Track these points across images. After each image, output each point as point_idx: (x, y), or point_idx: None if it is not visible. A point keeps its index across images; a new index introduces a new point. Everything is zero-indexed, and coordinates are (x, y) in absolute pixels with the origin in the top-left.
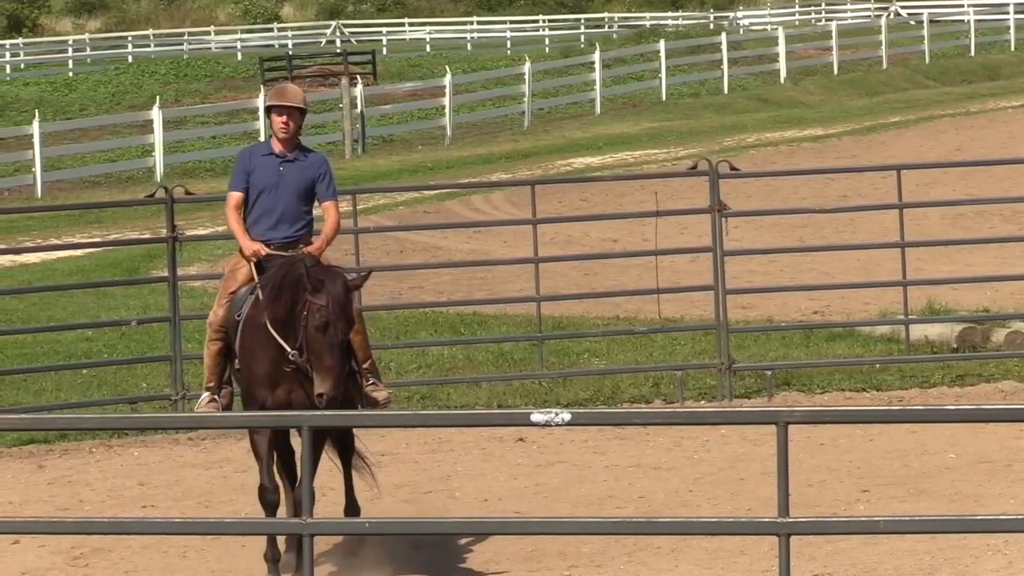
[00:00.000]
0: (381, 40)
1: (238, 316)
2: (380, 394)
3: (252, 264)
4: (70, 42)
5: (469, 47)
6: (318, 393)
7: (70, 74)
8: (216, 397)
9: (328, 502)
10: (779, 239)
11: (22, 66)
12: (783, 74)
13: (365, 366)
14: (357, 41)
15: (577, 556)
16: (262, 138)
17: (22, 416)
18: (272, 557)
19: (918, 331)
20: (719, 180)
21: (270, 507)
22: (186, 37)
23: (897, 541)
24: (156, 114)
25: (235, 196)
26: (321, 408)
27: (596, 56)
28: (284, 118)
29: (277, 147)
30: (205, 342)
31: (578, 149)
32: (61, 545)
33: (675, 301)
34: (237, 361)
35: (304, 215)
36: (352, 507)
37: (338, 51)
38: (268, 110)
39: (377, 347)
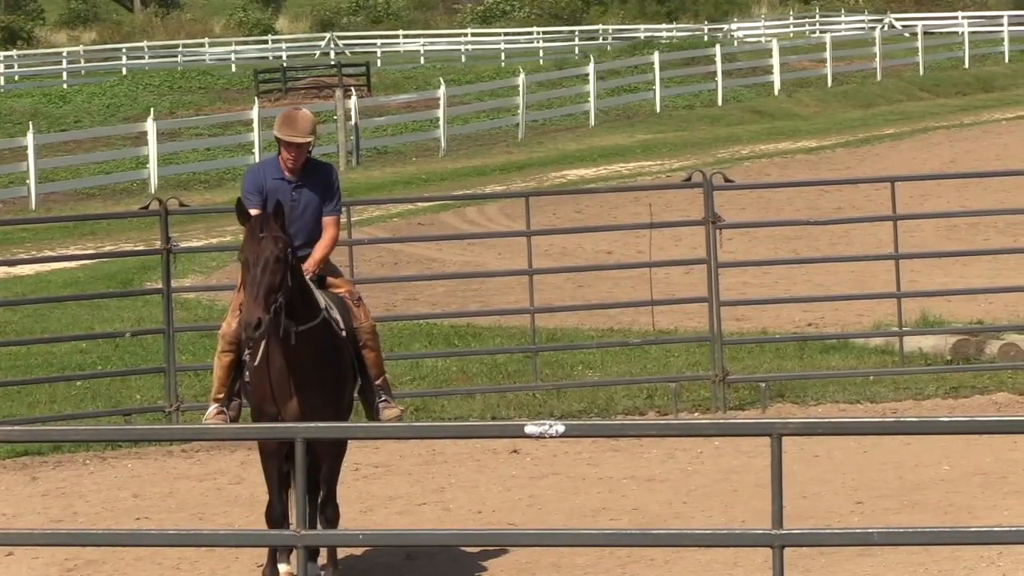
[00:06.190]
0: (375, 52)
1: None
2: (392, 411)
3: None
4: (64, 54)
5: (463, 59)
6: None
7: (64, 86)
8: (225, 409)
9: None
10: (773, 251)
11: (16, 78)
12: (777, 86)
13: (378, 383)
14: (351, 53)
15: (571, 568)
16: (255, 150)
17: (16, 428)
18: (271, 575)
19: (912, 343)
20: (713, 192)
21: (276, 527)
22: (180, 49)
23: (891, 553)
24: (150, 126)
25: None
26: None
27: (590, 68)
28: (293, 155)
29: (286, 172)
30: (216, 353)
31: (572, 161)
32: (55, 557)
33: (669, 313)
34: (247, 374)
35: (321, 231)
36: (332, 507)
37: (332, 63)
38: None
39: None
